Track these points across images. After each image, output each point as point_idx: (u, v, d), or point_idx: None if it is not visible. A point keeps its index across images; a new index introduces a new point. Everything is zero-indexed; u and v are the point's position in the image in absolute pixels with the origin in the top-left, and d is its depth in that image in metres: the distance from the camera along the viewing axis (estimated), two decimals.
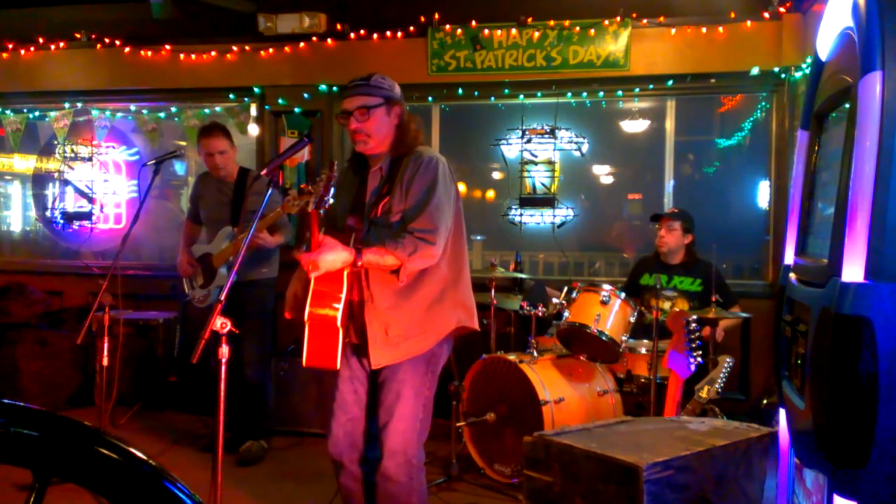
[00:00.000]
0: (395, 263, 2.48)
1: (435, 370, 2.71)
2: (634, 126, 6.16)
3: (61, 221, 6.26)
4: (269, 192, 2.53)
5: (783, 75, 4.93)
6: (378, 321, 2.58)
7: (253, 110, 5.85)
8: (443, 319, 2.66)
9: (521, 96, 5.45)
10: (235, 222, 4.18)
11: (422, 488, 2.70)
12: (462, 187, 7.08)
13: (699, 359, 3.55)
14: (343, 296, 2.52)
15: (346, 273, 2.52)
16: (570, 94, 5.40)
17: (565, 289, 4.14)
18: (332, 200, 2.32)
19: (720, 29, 5.00)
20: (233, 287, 3.95)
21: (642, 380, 4.07)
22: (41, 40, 5.98)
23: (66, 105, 6.12)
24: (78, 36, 5.93)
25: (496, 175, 6.58)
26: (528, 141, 5.42)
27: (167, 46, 5.75)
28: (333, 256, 2.43)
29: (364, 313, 2.59)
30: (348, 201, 2.74)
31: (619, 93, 5.41)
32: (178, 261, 4.39)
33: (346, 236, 2.60)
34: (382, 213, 2.62)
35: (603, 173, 6.81)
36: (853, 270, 1.58)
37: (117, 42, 5.86)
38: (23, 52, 6.01)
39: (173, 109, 6.05)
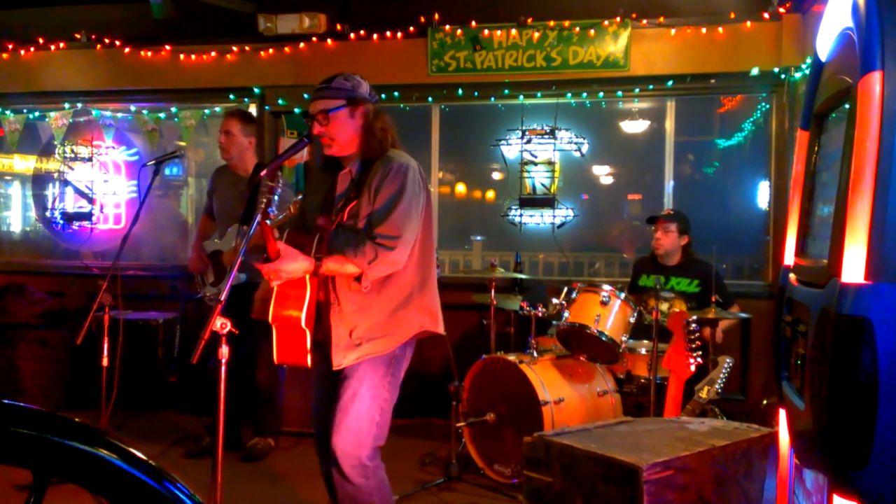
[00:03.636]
0: (355, 271, 2.49)
1: (396, 373, 2.68)
2: (634, 126, 6.17)
3: (61, 222, 6.26)
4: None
5: (783, 76, 4.93)
6: (343, 324, 2.58)
7: (253, 111, 5.84)
8: (407, 323, 2.66)
9: (521, 97, 5.45)
10: (246, 220, 4.18)
11: (382, 488, 2.64)
12: (462, 187, 7.11)
13: (699, 359, 3.56)
14: (307, 296, 2.54)
15: (307, 276, 2.53)
16: (569, 95, 5.40)
17: (565, 289, 4.14)
18: (275, 211, 2.33)
19: (720, 29, 5.00)
20: (245, 288, 3.99)
21: (642, 380, 4.07)
22: (41, 40, 5.97)
23: (66, 105, 6.11)
24: (78, 36, 5.92)
25: (496, 175, 6.59)
26: (528, 141, 5.42)
27: (167, 46, 5.75)
28: (294, 266, 2.44)
29: (329, 315, 2.59)
30: (318, 201, 2.75)
31: (619, 93, 5.40)
32: (189, 256, 4.41)
33: (311, 237, 2.61)
34: (350, 217, 2.61)
35: (603, 174, 6.81)
36: (853, 271, 1.57)
37: (117, 42, 5.86)
38: (23, 52, 6.01)
39: (173, 110, 6.04)
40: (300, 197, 2.60)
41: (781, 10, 4.86)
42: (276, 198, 2.35)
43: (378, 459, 2.66)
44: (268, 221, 2.35)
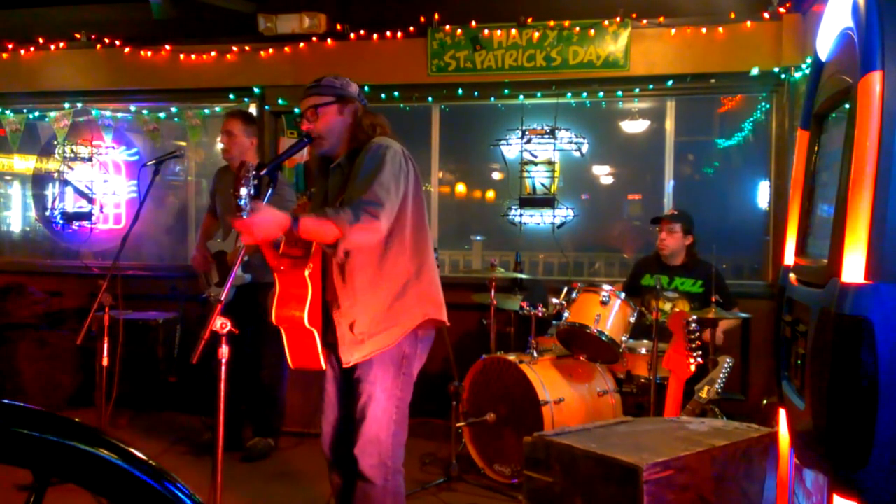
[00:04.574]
0: (335, 234, 2.39)
1: (408, 372, 2.68)
2: (634, 126, 6.16)
3: (61, 221, 6.26)
4: (269, 192, 2.53)
5: (783, 75, 4.93)
6: (344, 320, 2.58)
7: (253, 110, 5.84)
8: (407, 313, 2.63)
9: (521, 96, 5.45)
10: None
11: (397, 491, 2.67)
12: (462, 187, 7.11)
13: (699, 359, 3.56)
14: (308, 295, 2.52)
15: (307, 274, 2.52)
16: (569, 95, 5.40)
17: (565, 289, 4.14)
18: (246, 191, 2.27)
19: (720, 29, 5.00)
20: (250, 289, 4.00)
21: (642, 380, 4.07)
22: (41, 40, 5.97)
23: (66, 105, 6.12)
24: (78, 36, 5.93)
25: (496, 175, 6.58)
26: (528, 141, 5.42)
27: (167, 46, 5.75)
28: (270, 218, 2.34)
29: (333, 314, 2.60)
30: (319, 202, 2.76)
31: (619, 93, 5.41)
32: (193, 255, 4.42)
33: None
34: (341, 206, 2.60)
35: (603, 173, 6.80)
36: (853, 271, 1.58)
37: (117, 42, 5.86)
38: (23, 52, 6.01)
39: (173, 109, 6.05)
40: (306, 198, 2.58)
41: (781, 9, 4.86)
42: (251, 178, 2.26)
43: (400, 463, 2.67)
44: (241, 202, 2.23)
